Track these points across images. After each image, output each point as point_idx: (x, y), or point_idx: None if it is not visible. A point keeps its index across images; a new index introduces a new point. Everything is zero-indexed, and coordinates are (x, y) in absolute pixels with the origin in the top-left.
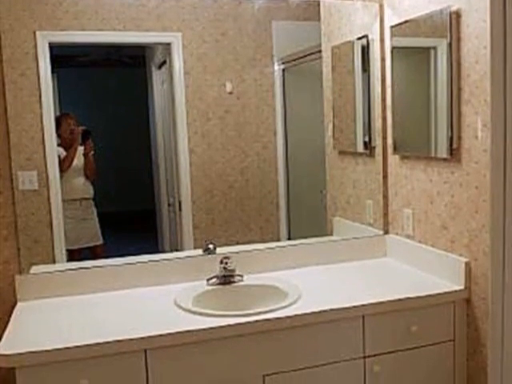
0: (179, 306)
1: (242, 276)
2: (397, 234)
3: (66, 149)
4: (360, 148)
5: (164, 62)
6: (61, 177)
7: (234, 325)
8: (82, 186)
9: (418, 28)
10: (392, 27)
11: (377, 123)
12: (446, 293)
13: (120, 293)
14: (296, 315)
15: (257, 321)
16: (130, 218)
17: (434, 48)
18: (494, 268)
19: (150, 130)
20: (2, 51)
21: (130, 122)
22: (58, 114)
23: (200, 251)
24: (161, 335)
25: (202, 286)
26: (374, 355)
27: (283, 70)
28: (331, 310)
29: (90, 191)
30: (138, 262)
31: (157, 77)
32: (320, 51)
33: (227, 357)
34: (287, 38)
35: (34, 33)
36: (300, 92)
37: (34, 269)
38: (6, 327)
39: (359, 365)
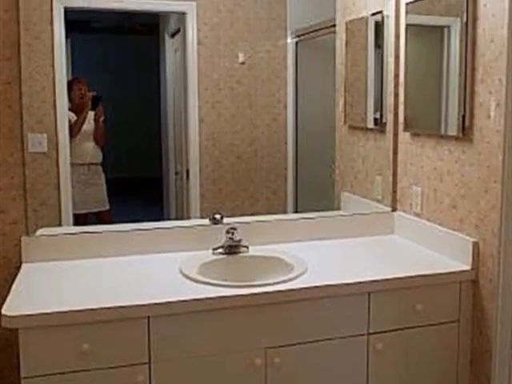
0: (184, 275)
1: (247, 247)
2: (405, 211)
3: (76, 113)
4: (370, 124)
5: (178, 31)
6: (70, 141)
7: (237, 296)
8: (91, 150)
9: (433, 6)
10: (407, 4)
11: (388, 99)
12: (452, 272)
13: (125, 259)
14: (301, 289)
15: (261, 293)
16: (137, 185)
17: (448, 27)
18: (504, 249)
19: (160, 98)
20: (18, 13)
21: (141, 90)
22: (69, 78)
23: (206, 221)
24: (165, 303)
25: (208, 256)
26: (378, 332)
27: (296, 43)
28: (337, 285)
29: (98, 156)
30: (144, 229)
31: (169, 45)
32: (334, 25)
33: (230, 327)
34: (302, 11)
35: None
36: (312, 66)
37: (41, 231)
38: (10, 288)
39: (362, 342)
